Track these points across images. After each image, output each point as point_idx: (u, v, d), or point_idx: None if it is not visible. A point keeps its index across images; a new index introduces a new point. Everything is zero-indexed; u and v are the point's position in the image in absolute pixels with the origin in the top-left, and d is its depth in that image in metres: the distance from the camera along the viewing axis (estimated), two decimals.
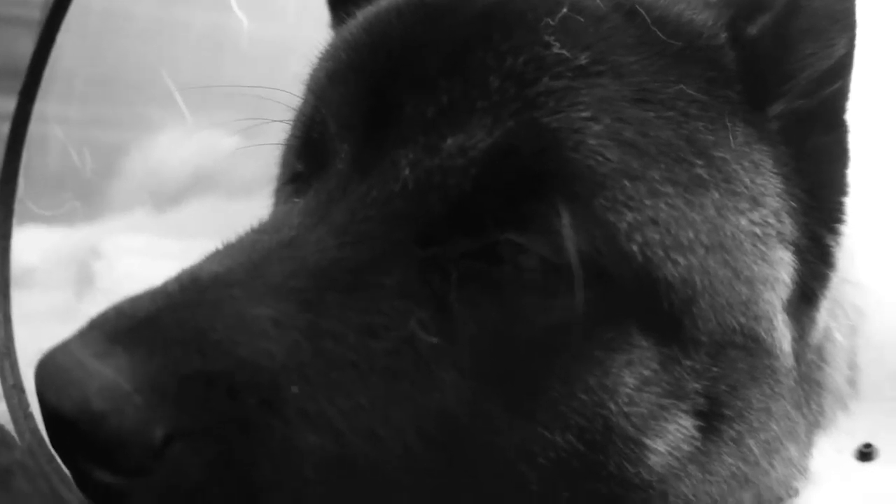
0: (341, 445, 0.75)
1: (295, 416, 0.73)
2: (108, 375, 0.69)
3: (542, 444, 0.82)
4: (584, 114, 0.84)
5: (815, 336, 1.00)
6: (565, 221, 0.81)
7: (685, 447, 0.86)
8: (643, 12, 0.91)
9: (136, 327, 0.73)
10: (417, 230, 0.83)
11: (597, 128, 0.84)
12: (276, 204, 1.12)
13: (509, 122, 0.84)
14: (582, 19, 0.89)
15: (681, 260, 0.85)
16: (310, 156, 0.97)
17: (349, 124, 0.91)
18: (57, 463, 0.95)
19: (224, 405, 0.72)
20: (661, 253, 0.84)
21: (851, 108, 0.98)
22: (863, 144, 1.00)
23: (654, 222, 0.84)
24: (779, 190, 0.93)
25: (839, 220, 0.99)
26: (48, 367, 0.73)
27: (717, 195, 0.88)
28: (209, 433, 0.71)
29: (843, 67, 0.96)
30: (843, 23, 0.94)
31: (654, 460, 0.85)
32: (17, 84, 1.47)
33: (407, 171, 0.85)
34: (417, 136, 0.86)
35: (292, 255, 0.81)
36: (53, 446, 0.75)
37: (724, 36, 0.94)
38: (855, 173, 1.00)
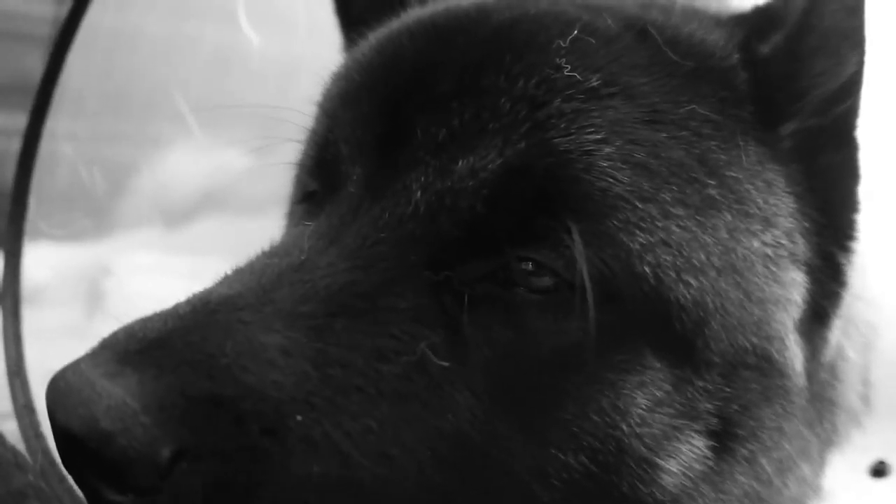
0: (348, 468, 0.75)
1: (298, 445, 0.74)
2: (117, 395, 0.70)
3: (555, 466, 0.81)
4: (596, 136, 0.84)
5: (828, 355, 1.00)
6: (575, 237, 0.81)
7: (698, 467, 0.86)
8: (654, 33, 0.91)
9: (146, 348, 0.74)
10: (430, 253, 0.83)
11: (608, 150, 0.84)
12: (289, 225, 1.12)
13: (520, 144, 0.84)
14: (593, 41, 0.89)
15: (693, 282, 0.85)
16: (323, 176, 0.97)
17: (361, 146, 0.91)
18: (68, 484, 0.95)
19: (229, 430, 0.72)
20: (673, 275, 0.84)
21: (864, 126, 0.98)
22: (872, 159, 1.00)
23: (667, 244, 0.84)
24: (791, 209, 0.93)
25: (851, 238, 0.98)
26: (59, 386, 0.73)
27: (729, 217, 0.88)
28: (213, 455, 0.71)
29: (853, 85, 0.95)
30: (852, 40, 0.94)
31: (667, 480, 0.84)
32: (25, 100, 1.47)
33: (419, 194, 0.85)
34: (429, 158, 0.86)
35: (302, 279, 0.81)
36: (65, 465, 0.75)
37: (736, 56, 0.94)
38: (865, 189, 1.00)
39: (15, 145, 1.44)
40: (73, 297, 1.78)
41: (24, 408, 1.13)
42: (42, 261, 1.48)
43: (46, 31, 2.76)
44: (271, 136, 1.08)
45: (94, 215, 1.78)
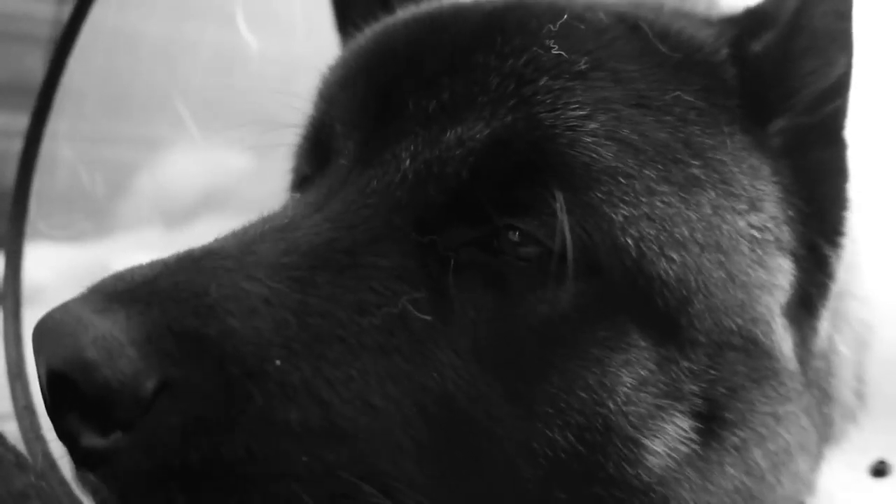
0: (328, 416, 0.76)
1: (276, 389, 0.74)
2: (104, 327, 0.71)
3: (541, 441, 0.82)
4: (580, 112, 0.86)
5: (819, 344, 1.00)
6: (559, 204, 0.82)
7: (683, 449, 0.86)
8: (645, 27, 0.93)
9: (133, 288, 0.75)
10: (416, 217, 0.85)
11: (593, 126, 0.86)
12: None
13: (507, 117, 0.86)
14: (583, 27, 0.91)
15: (675, 257, 0.86)
16: (317, 157, 1.00)
17: (355, 123, 0.94)
18: (68, 486, 0.95)
19: (212, 368, 0.73)
20: (656, 249, 0.85)
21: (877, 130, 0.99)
22: (872, 161, 1.01)
23: (650, 218, 0.85)
24: (777, 198, 0.94)
25: (840, 233, 1.00)
26: (46, 325, 0.75)
27: (713, 194, 0.89)
28: (194, 392, 0.72)
29: (842, 86, 0.97)
30: (841, 42, 0.95)
31: (652, 461, 0.85)
32: (26, 100, 1.47)
33: (407, 163, 0.87)
34: (418, 129, 0.88)
35: (285, 236, 0.83)
36: (48, 412, 0.75)
37: (725, 52, 0.95)
38: (864, 189, 1.00)
39: (16, 146, 1.43)
40: None
41: (24, 409, 1.12)
42: (43, 261, 1.48)
43: (47, 31, 2.77)
44: (272, 137, 1.09)
45: (95, 216, 1.78)
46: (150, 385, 0.71)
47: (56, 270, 1.68)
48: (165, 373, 0.71)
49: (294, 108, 1.06)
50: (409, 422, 0.79)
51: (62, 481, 0.96)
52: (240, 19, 1.61)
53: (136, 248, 1.86)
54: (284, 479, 0.74)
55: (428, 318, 0.81)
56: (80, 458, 0.74)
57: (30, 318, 1.31)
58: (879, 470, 1.34)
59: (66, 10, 1.46)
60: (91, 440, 0.72)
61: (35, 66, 2.51)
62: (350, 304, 0.80)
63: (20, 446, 1.04)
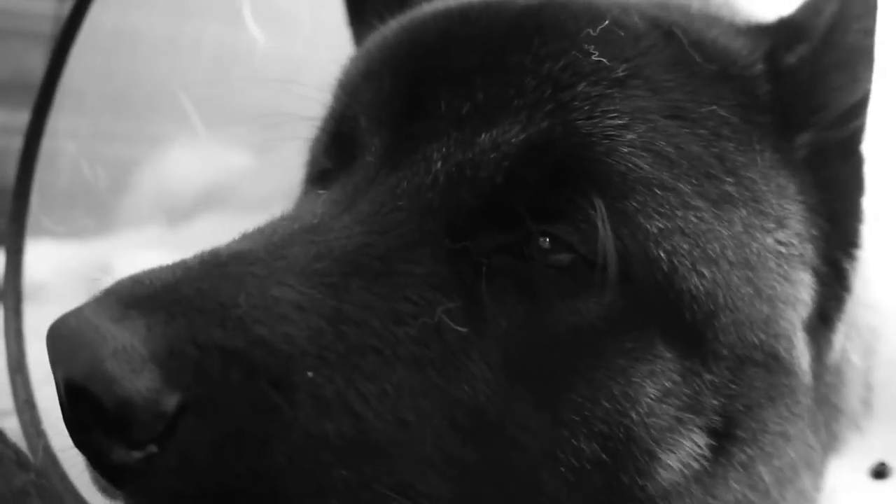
0: (362, 430, 0.74)
1: (307, 401, 0.72)
2: (124, 338, 0.68)
3: (566, 450, 0.81)
4: (618, 121, 0.85)
5: (833, 358, 1.00)
6: (600, 211, 0.81)
7: (695, 465, 0.86)
8: (680, 34, 0.92)
9: (154, 294, 0.72)
10: (448, 222, 0.83)
11: (630, 136, 0.84)
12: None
13: (543, 123, 0.84)
14: (622, 33, 0.90)
15: (706, 273, 0.85)
16: (338, 150, 0.97)
17: (382, 119, 0.91)
18: (69, 482, 0.95)
19: (240, 383, 0.70)
20: (688, 264, 0.84)
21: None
22: (874, 165, 1.01)
23: (684, 233, 0.85)
24: (801, 217, 0.94)
25: (855, 246, 1.00)
26: (60, 332, 0.71)
27: (744, 212, 0.88)
28: (222, 409, 0.70)
29: (865, 103, 0.97)
30: (867, 58, 0.95)
31: (663, 475, 0.84)
32: (27, 98, 1.47)
33: (439, 165, 0.85)
34: (451, 130, 0.86)
35: (315, 239, 0.80)
36: (66, 424, 0.73)
37: (760, 67, 0.95)
38: (873, 197, 1.01)
39: (17, 143, 1.43)
40: (74, 295, 1.77)
41: (25, 403, 1.12)
42: (43, 258, 1.48)
43: (48, 28, 2.77)
44: (273, 135, 1.08)
45: (96, 213, 1.77)
46: (172, 402, 0.68)
47: (57, 267, 1.67)
48: (189, 390, 0.69)
49: (300, 100, 1.05)
50: (439, 435, 0.77)
51: (63, 477, 0.96)
52: (247, 14, 1.60)
53: (138, 245, 1.86)
54: (322, 494, 0.73)
55: (463, 329, 0.79)
56: (108, 472, 0.71)
57: (30, 314, 1.31)
58: (880, 472, 1.34)
59: (67, 7, 1.46)
60: (122, 456, 0.69)
61: (36, 63, 2.51)
62: (385, 313, 0.77)
63: (20, 442, 1.04)
